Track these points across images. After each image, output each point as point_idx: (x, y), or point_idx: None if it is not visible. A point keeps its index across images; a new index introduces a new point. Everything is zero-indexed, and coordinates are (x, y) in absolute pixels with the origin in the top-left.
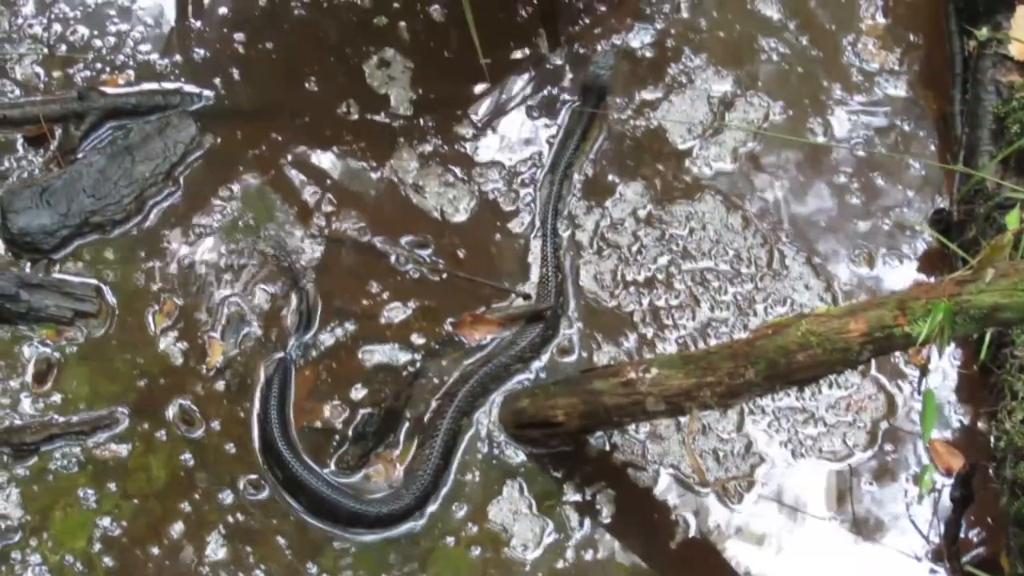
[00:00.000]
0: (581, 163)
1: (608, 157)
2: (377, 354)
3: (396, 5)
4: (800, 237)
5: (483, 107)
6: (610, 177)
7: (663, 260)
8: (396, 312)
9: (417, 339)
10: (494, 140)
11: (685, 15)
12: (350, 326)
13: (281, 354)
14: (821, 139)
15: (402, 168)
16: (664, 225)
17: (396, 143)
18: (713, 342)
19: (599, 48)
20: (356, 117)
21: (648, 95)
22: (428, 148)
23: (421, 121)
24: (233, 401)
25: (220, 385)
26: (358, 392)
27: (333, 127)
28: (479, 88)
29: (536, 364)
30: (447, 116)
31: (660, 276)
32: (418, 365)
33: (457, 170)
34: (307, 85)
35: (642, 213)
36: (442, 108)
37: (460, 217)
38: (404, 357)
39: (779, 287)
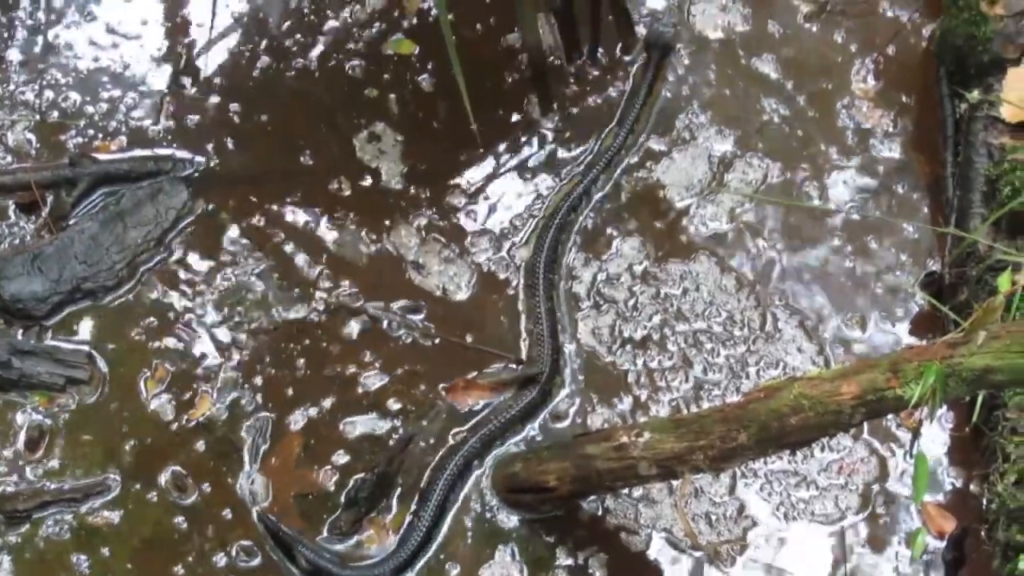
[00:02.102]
0: (647, 117)
1: (607, 209)
2: (366, 422)
3: (386, 76)
4: (793, 300)
5: (476, 174)
6: (608, 230)
7: (657, 319)
8: (386, 378)
9: (408, 405)
10: (488, 207)
11: (680, 71)
12: (341, 393)
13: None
14: (816, 202)
15: (402, 245)
16: (659, 283)
17: (391, 216)
18: (706, 404)
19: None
20: (348, 192)
21: (652, 146)
22: (423, 221)
23: (414, 193)
24: (224, 467)
25: (200, 445)
26: (348, 459)
27: (326, 199)
28: (471, 156)
29: (530, 428)
30: (440, 187)
31: (655, 336)
32: (410, 430)
33: (454, 244)
34: (300, 157)
35: (638, 269)
36: (434, 179)
37: (462, 295)
38: (395, 423)
39: (772, 350)
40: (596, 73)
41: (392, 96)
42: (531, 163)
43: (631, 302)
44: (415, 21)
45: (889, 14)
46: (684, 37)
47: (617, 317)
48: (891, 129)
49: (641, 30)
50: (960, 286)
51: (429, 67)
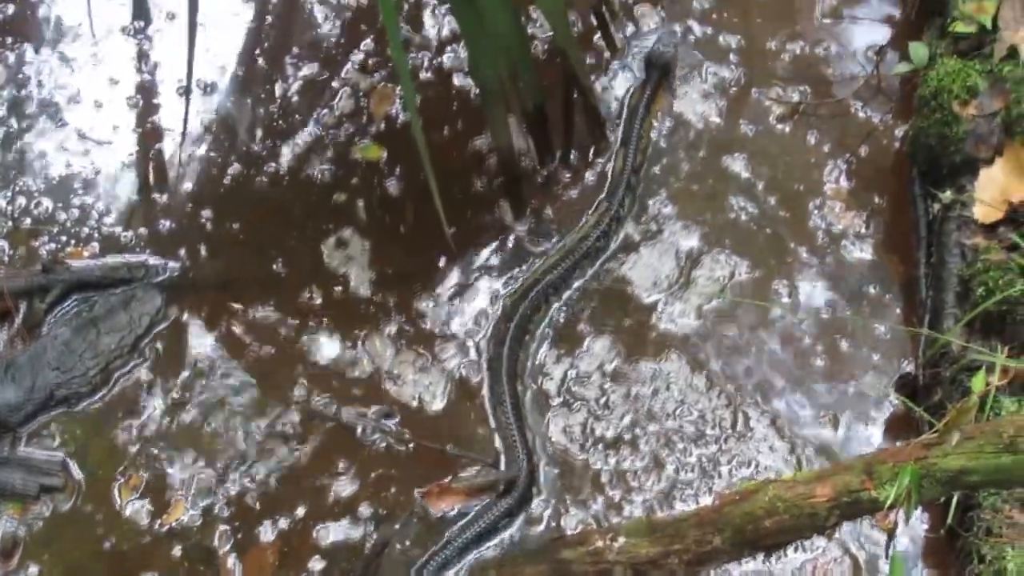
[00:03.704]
0: (648, 136)
1: (578, 307)
2: (341, 528)
3: (354, 181)
4: (764, 399)
5: (447, 278)
6: (579, 327)
7: (628, 419)
8: (360, 483)
9: (383, 510)
10: (458, 311)
11: (656, 171)
12: (315, 499)
13: None
14: (786, 300)
15: (377, 354)
16: (630, 382)
17: (364, 324)
18: (679, 505)
19: (660, 27)
20: (320, 301)
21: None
22: (393, 328)
23: (383, 299)
24: (199, 574)
25: (175, 551)
26: (324, 565)
27: (299, 307)
28: (441, 260)
29: (505, 532)
30: (409, 292)
31: (626, 435)
32: (385, 535)
33: (428, 353)
34: (272, 264)
35: (608, 368)
36: (403, 284)
37: (437, 405)
38: (370, 529)
39: (744, 449)
40: (569, 176)
41: (360, 202)
42: (502, 266)
43: (602, 400)
44: (383, 126)
45: (862, 115)
46: (682, 59)
47: (589, 416)
48: (863, 230)
49: (610, 134)
50: (934, 387)
51: (397, 171)
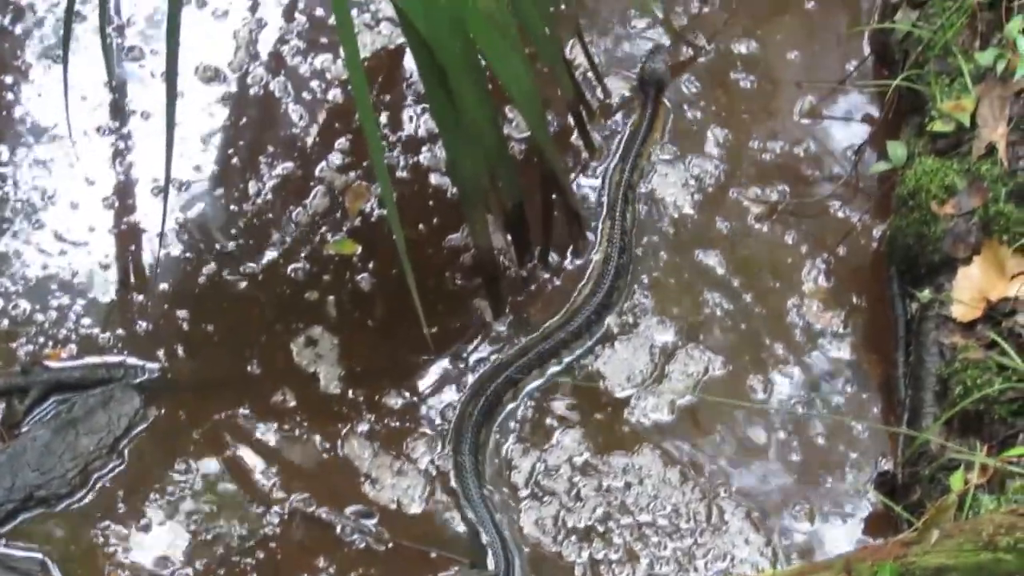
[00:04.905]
0: (650, 152)
1: (547, 399)
2: None
3: (326, 277)
4: (739, 492)
5: (422, 375)
6: (548, 421)
7: (600, 511)
8: None
9: None
10: (433, 407)
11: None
12: None
13: None
14: (761, 395)
15: (356, 456)
16: (601, 475)
17: (338, 424)
18: None
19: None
20: (293, 403)
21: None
22: (365, 427)
23: (353, 396)
24: None
25: None
26: None
27: (274, 408)
28: (418, 358)
29: None
30: (380, 389)
31: (599, 528)
32: None
33: (405, 455)
34: (247, 365)
35: (578, 461)
36: (378, 381)
37: (416, 508)
38: None
39: (719, 542)
40: (547, 275)
41: (331, 298)
42: (478, 362)
43: (572, 492)
44: (357, 222)
45: (840, 215)
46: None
47: (560, 508)
48: (841, 329)
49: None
50: (913, 485)
51: (369, 267)
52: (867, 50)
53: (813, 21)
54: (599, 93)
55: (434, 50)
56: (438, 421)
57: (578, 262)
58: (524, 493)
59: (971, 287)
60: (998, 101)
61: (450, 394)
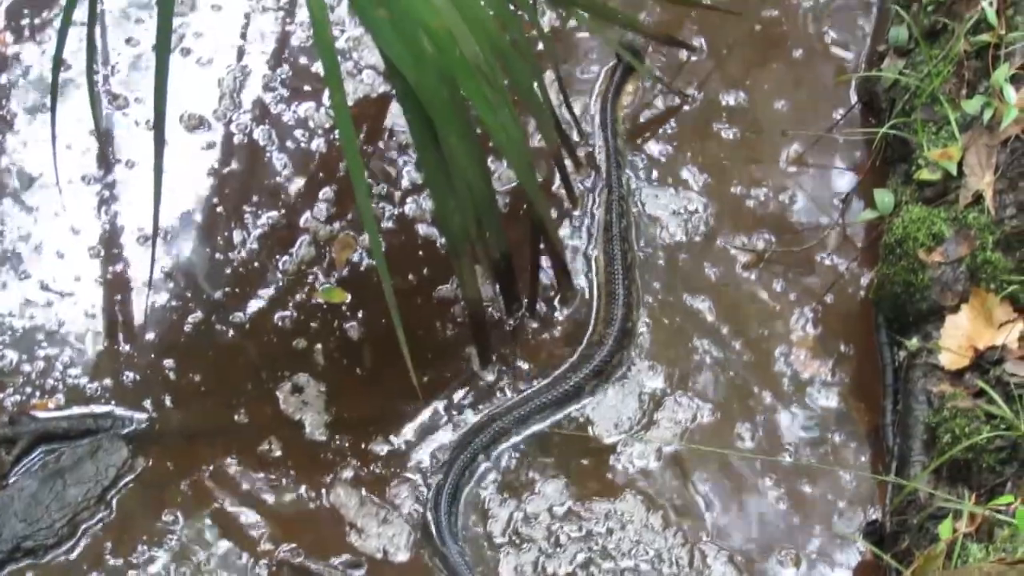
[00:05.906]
0: (619, 117)
1: (531, 450)
2: None
3: (313, 325)
4: (722, 536)
5: (410, 425)
6: (530, 474)
7: (581, 557)
8: None
9: None
10: (419, 455)
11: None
12: None
13: None
14: (749, 444)
15: (342, 504)
16: (583, 521)
17: (325, 473)
18: None
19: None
20: (279, 453)
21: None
22: (350, 473)
23: (338, 444)
24: None
25: None
26: None
27: (261, 458)
28: (405, 407)
29: None
30: (365, 436)
31: (580, 574)
32: None
33: (390, 503)
34: (235, 415)
35: (559, 510)
36: (366, 430)
37: (402, 556)
38: None
39: None
40: (535, 325)
41: (318, 346)
42: (466, 410)
43: (551, 539)
44: (345, 272)
45: (827, 263)
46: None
47: (540, 554)
48: (829, 378)
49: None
50: (902, 534)
51: (358, 316)
52: (854, 98)
53: (800, 70)
54: (575, 135)
55: (422, 100)
56: (426, 464)
57: (567, 311)
58: (501, 541)
59: (959, 335)
60: (985, 149)
61: (438, 441)
